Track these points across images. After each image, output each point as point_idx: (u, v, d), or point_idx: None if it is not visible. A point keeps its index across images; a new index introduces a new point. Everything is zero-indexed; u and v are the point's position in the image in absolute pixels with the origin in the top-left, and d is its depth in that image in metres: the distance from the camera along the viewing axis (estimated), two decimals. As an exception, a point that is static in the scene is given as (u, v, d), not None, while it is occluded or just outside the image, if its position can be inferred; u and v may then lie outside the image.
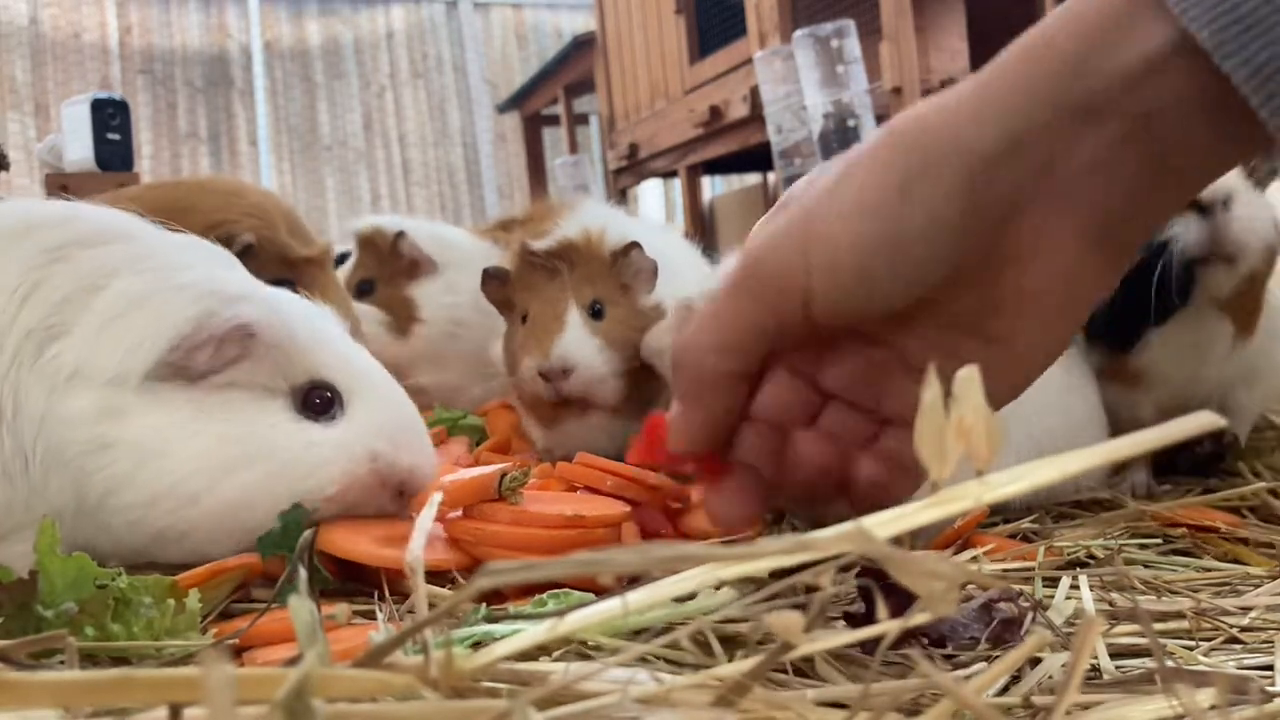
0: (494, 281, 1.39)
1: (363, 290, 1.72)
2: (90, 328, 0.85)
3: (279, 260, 1.32)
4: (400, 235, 1.72)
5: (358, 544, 0.86)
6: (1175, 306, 1.04)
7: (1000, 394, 0.60)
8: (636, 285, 1.35)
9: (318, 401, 0.91)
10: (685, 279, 1.42)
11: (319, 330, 0.95)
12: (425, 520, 0.59)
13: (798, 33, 3.08)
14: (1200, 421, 0.43)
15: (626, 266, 1.34)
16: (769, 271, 0.60)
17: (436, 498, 0.64)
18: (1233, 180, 0.99)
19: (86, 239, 0.89)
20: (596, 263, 1.34)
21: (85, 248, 0.88)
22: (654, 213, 8.18)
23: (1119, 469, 1.17)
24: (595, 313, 1.32)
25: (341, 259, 1.77)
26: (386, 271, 1.74)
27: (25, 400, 0.83)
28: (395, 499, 0.94)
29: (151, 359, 0.84)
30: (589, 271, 1.33)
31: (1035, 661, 0.62)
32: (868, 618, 0.57)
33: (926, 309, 0.61)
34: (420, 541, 0.53)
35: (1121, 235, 0.60)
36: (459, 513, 0.92)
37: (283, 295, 0.97)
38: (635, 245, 1.34)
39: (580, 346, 1.29)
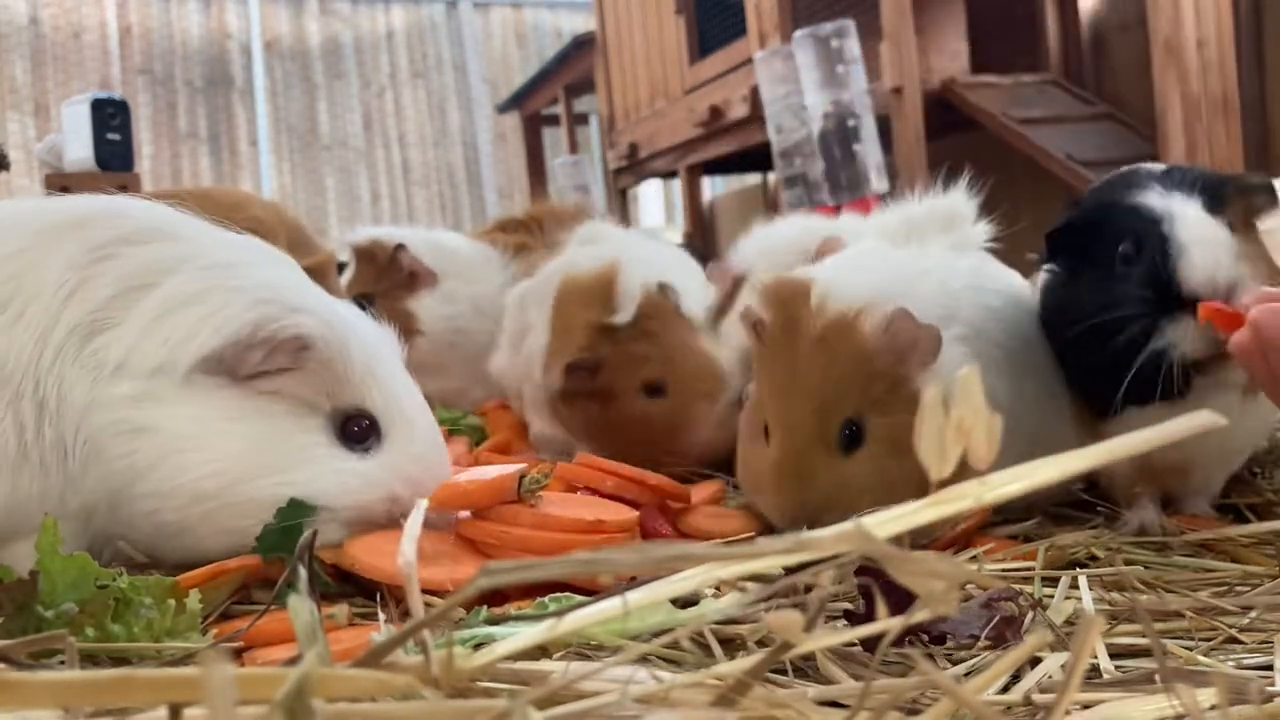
0: (583, 375, 1.34)
1: (360, 305, 1.72)
2: (140, 322, 0.84)
3: None
4: (400, 248, 1.72)
5: (382, 563, 0.84)
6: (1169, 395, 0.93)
7: None
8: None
9: (356, 430, 0.90)
10: (687, 292, 1.42)
11: (374, 355, 0.93)
12: (413, 525, 0.58)
13: (798, 33, 3.08)
14: (1200, 421, 0.43)
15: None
16: None
17: (422, 504, 0.63)
18: (1226, 266, 0.91)
19: (134, 237, 0.89)
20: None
21: (133, 245, 0.88)
22: (654, 213, 8.18)
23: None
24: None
25: (340, 268, 1.77)
26: (385, 284, 1.73)
27: (69, 392, 0.83)
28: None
29: (201, 353, 0.84)
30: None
31: (1035, 661, 0.62)
32: (868, 616, 0.57)
33: None
34: (411, 547, 0.52)
35: None
36: (467, 514, 0.91)
37: (345, 312, 0.96)
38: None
39: None
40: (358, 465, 0.89)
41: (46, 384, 0.82)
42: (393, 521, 0.91)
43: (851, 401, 0.92)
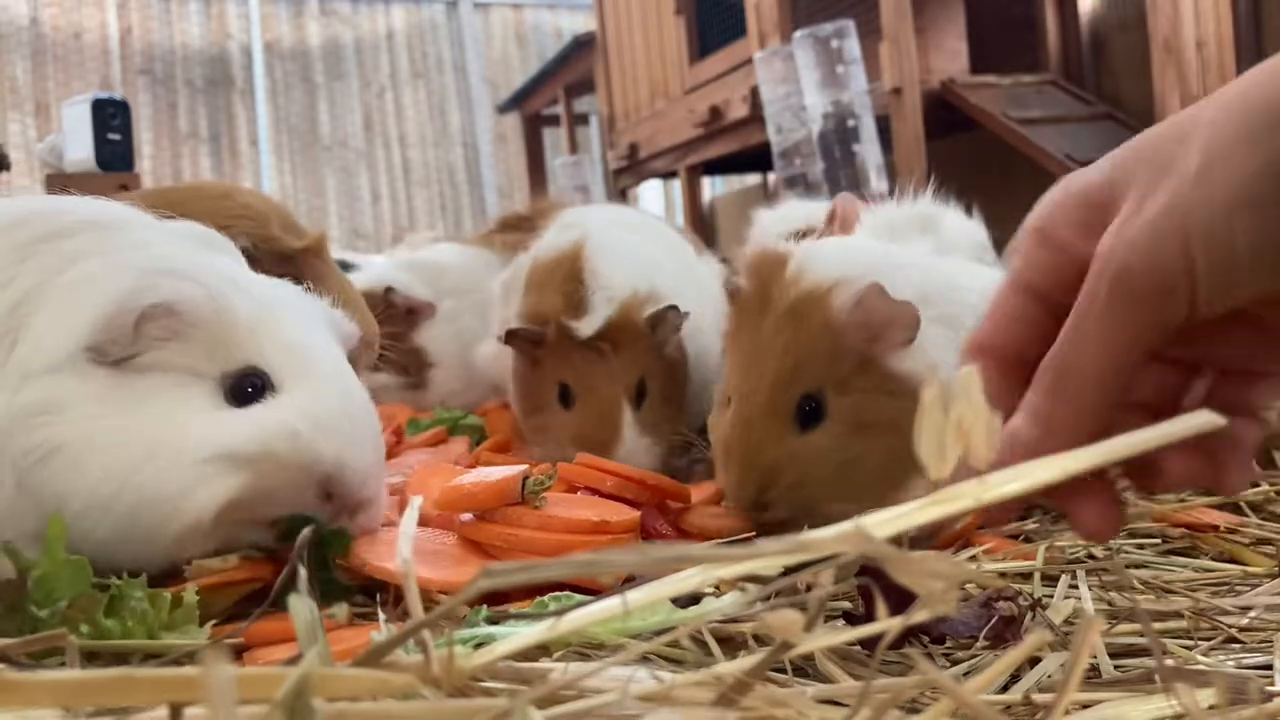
0: (525, 342, 1.33)
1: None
2: (45, 316, 0.82)
3: (275, 256, 1.32)
4: (389, 290, 1.71)
5: (391, 564, 0.82)
6: None
7: None
8: (668, 338, 1.35)
9: (249, 390, 0.84)
10: (670, 274, 1.40)
11: (266, 313, 0.87)
12: (408, 524, 0.58)
13: (798, 33, 3.08)
14: (1200, 421, 0.43)
15: (663, 331, 1.33)
16: (1147, 283, 0.54)
17: (417, 500, 0.62)
18: None
19: (63, 231, 0.86)
20: (636, 334, 1.30)
21: (61, 239, 0.85)
22: (654, 213, 8.18)
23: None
24: (640, 395, 1.31)
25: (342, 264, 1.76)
26: (386, 330, 1.72)
27: None
28: (322, 500, 0.86)
29: (80, 341, 0.81)
30: (633, 353, 1.30)
31: (1035, 661, 0.62)
32: (867, 616, 0.57)
33: None
34: (407, 546, 0.52)
35: None
36: (470, 516, 0.91)
37: (243, 277, 0.90)
38: (672, 309, 1.31)
39: (635, 454, 1.27)
40: (242, 420, 0.83)
41: None
42: (312, 477, 0.84)
43: (813, 376, 0.89)
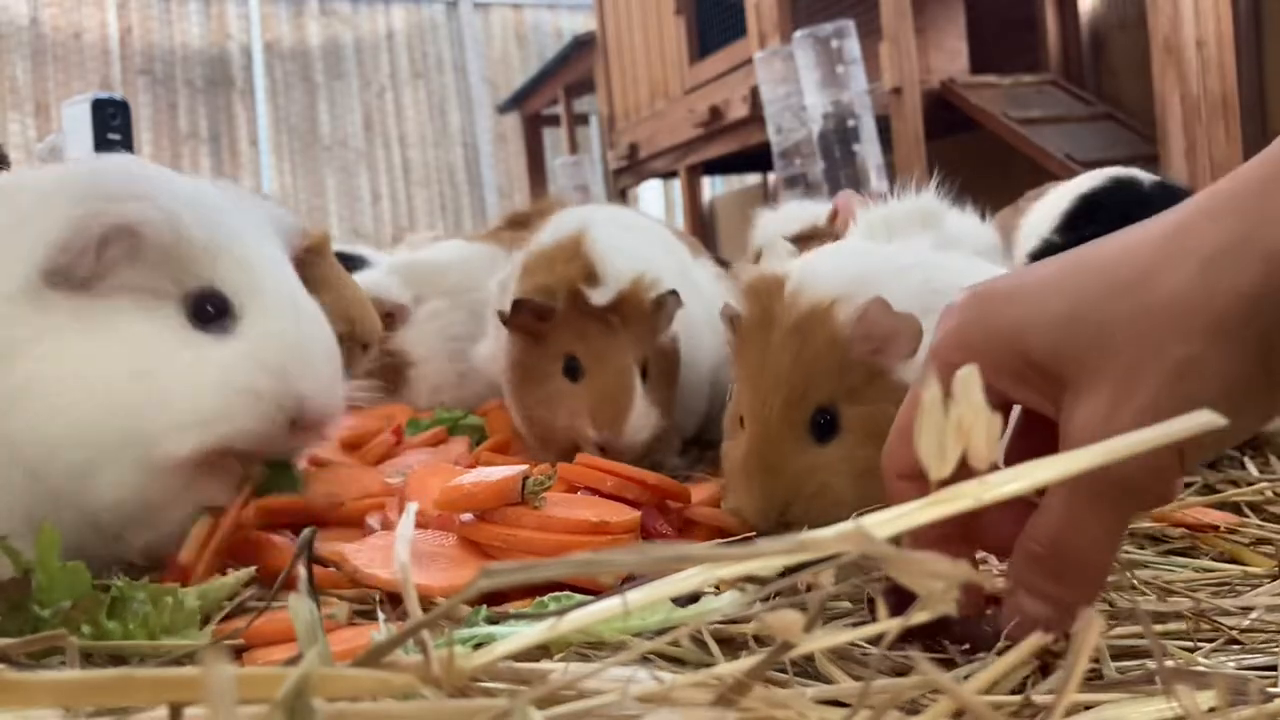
0: (530, 315, 1.29)
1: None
2: None
3: None
4: None
5: (381, 570, 0.83)
6: None
7: None
8: (667, 328, 1.34)
9: (210, 310, 0.84)
10: (666, 273, 1.40)
11: (223, 231, 0.87)
12: (405, 527, 0.58)
13: (798, 33, 3.09)
14: (1200, 421, 0.43)
15: (663, 315, 1.32)
16: (1144, 480, 0.60)
17: (413, 507, 0.62)
18: None
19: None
20: (643, 313, 1.30)
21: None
22: (654, 213, 8.19)
23: None
24: (644, 374, 1.30)
25: (345, 260, 1.76)
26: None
27: None
28: (289, 432, 0.87)
29: (37, 266, 0.79)
30: (639, 325, 1.30)
31: (1045, 669, 0.62)
32: (901, 604, 0.57)
33: None
34: (404, 548, 0.52)
35: None
36: (470, 516, 0.91)
37: (193, 193, 0.89)
38: (673, 294, 1.31)
39: (646, 420, 1.26)
40: (212, 353, 0.83)
41: None
42: (285, 412, 0.85)
43: (824, 390, 0.90)
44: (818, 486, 0.89)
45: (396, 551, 0.49)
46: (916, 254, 1.05)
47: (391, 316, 1.71)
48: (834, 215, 1.31)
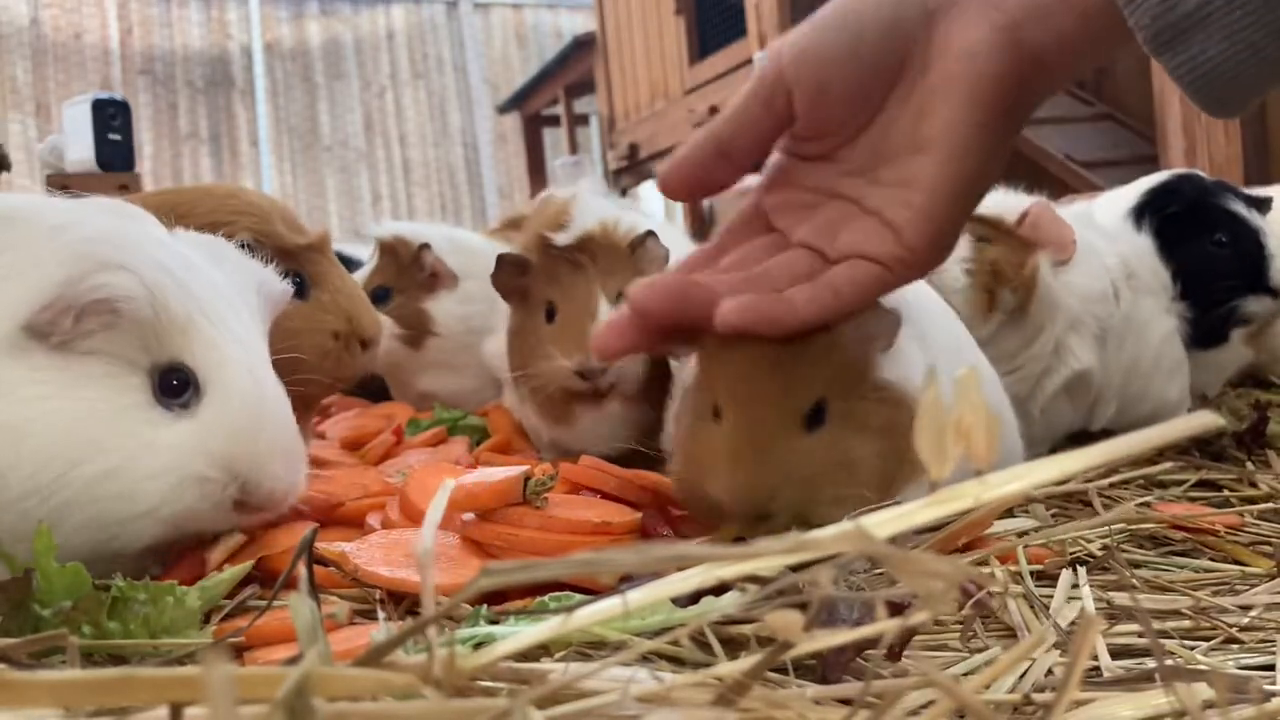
0: (512, 269, 1.35)
1: (378, 297, 1.71)
2: None
3: (278, 252, 1.32)
4: (424, 247, 1.72)
5: (383, 570, 0.83)
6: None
7: (917, 231, 0.81)
8: (651, 273, 1.35)
9: (174, 383, 0.86)
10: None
11: (199, 306, 0.89)
12: (434, 515, 0.58)
13: (798, 33, 3.08)
14: (1200, 421, 0.43)
15: (644, 255, 1.34)
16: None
17: (447, 486, 0.61)
18: None
19: None
20: (616, 253, 1.33)
21: None
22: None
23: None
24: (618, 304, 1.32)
25: (344, 260, 1.76)
26: (405, 281, 1.73)
27: None
28: (233, 514, 0.88)
29: (17, 322, 0.81)
30: (610, 263, 1.33)
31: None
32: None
33: (861, 133, 0.83)
34: (430, 535, 0.52)
35: (1032, 36, 0.77)
36: (471, 516, 0.91)
37: (176, 258, 0.90)
38: (651, 234, 1.34)
39: None
40: (165, 435, 0.85)
41: None
42: (220, 509, 0.87)
43: (820, 382, 0.91)
44: (807, 473, 0.89)
45: (422, 539, 0.49)
46: None
47: (437, 278, 1.72)
48: (1021, 219, 1.32)
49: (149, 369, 0.86)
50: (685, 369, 1.12)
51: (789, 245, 0.87)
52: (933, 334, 1.01)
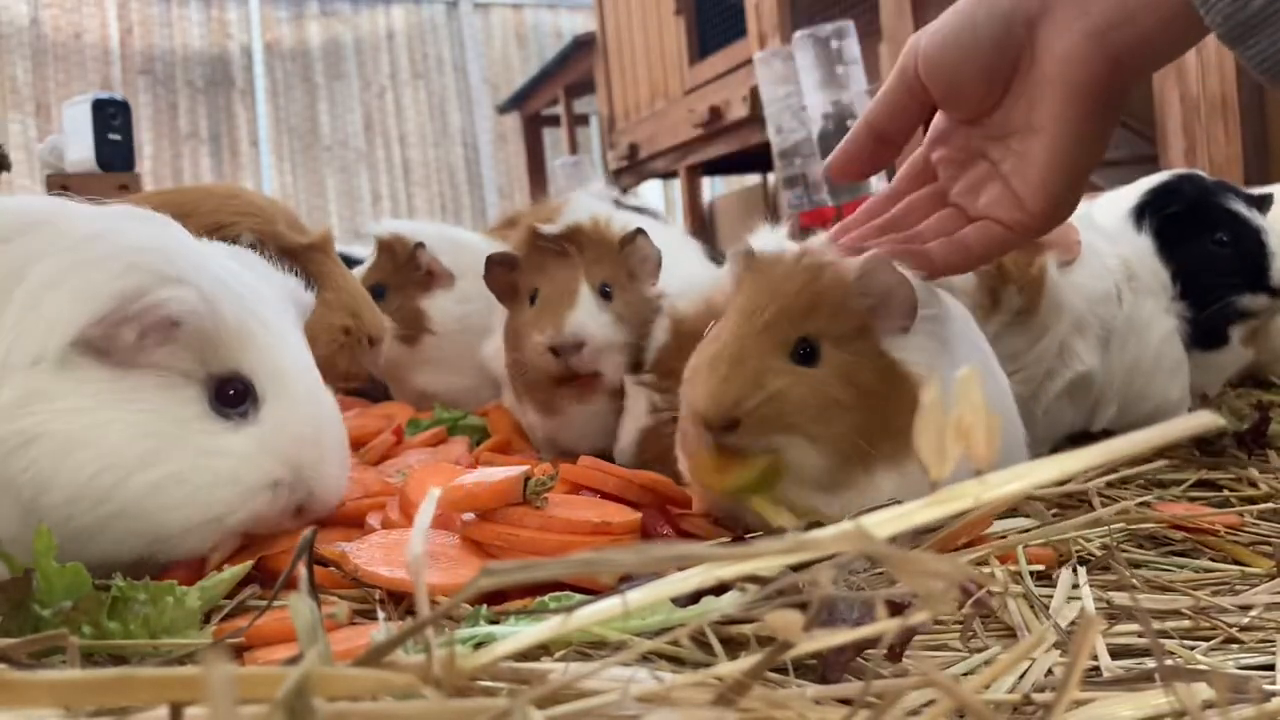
0: (501, 266, 1.38)
1: (375, 294, 1.72)
2: (12, 318, 0.81)
3: (280, 252, 1.33)
4: (419, 246, 1.72)
5: (384, 570, 0.83)
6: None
7: (1035, 201, 0.95)
8: (642, 272, 1.36)
9: (231, 393, 0.86)
10: (681, 269, 1.42)
11: (252, 315, 0.89)
12: (423, 519, 0.58)
13: (797, 33, 3.08)
14: (1200, 421, 0.43)
15: (634, 253, 1.35)
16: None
17: (434, 493, 0.62)
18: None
19: (3, 234, 0.86)
20: (605, 247, 1.35)
21: (3, 243, 0.85)
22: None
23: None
24: (605, 294, 1.32)
25: (345, 260, 1.77)
26: (401, 279, 1.73)
27: None
28: (293, 517, 0.90)
29: (70, 334, 0.80)
30: (598, 255, 1.34)
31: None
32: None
33: (992, 112, 0.97)
34: (420, 541, 0.52)
35: (1118, 38, 0.87)
36: (471, 516, 0.91)
37: (224, 268, 0.91)
38: (641, 232, 1.35)
39: (593, 319, 1.29)
40: (232, 443, 0.85)
41: None
42: (284, 514, 0.88)
43: (815, 324, 0.92)
44: (780, 390, 0.89)
45: (412, 543, 0.49)
46: None
47: (433, 276, 1.72)
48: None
49: (204, 379, 0.86)
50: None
51: (946, 200, 1.03)
52: (954, 340, 1.01)
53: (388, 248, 1.75)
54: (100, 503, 0.81)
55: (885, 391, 0.89)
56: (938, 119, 1.03)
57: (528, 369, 1.33)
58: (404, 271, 1.73)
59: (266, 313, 0.92)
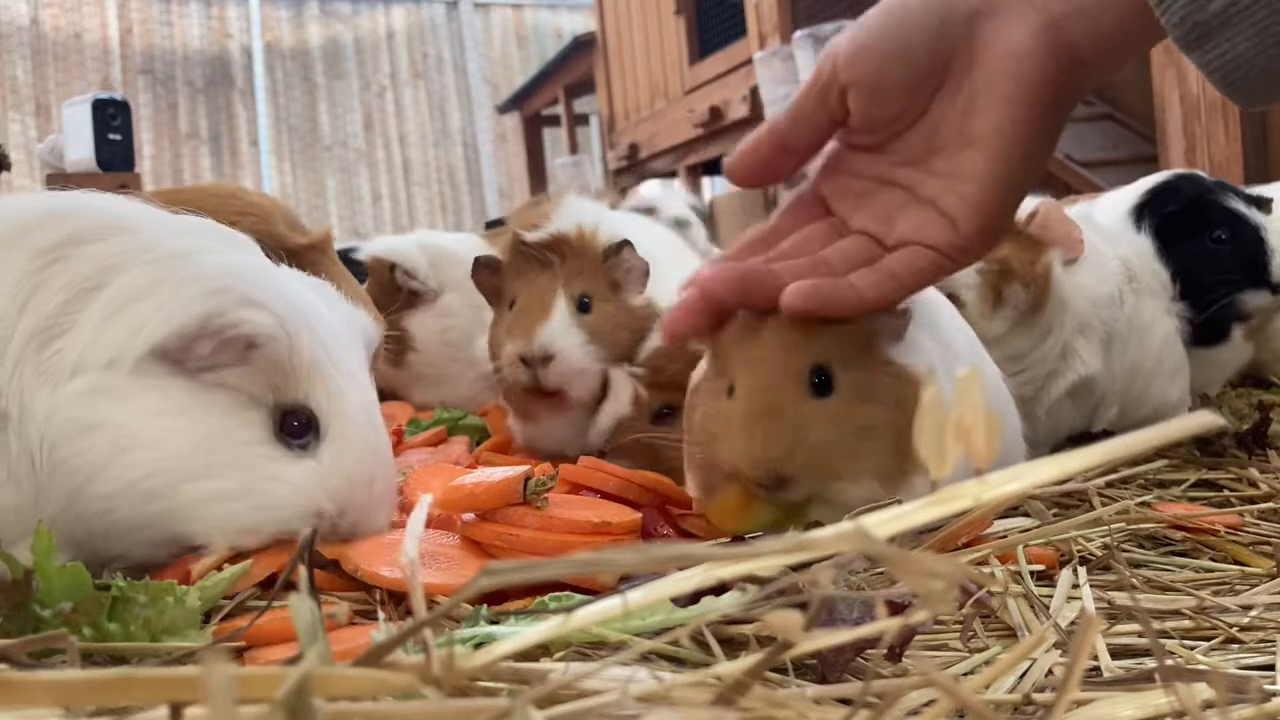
0: (485, 270, 1.39)
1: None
2: (93, 322, 0.83)
3: (280, 252, 1.33)
4: (392, 268, 1.71)
5: (385, 569, 0.84)
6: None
7: (970, 221, 0.85)
8: (627, 284, 1.35)
9: (295, 424, 0.88)
10: (672, 278, 1.41)
11: (325, 349, 0.91)
12: (416, 523, 0.58)
13: (797, 33, 3.08)
14: (1201, 421, 0.43)
15: (617, 264, 1.34)
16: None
17: (426, 499, 0.62)
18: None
19: (84, 236, 0.87)
20: (588, 258, 1.34)
21: (84, 245, 0.87)
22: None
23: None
24: (583, 306, 1.32)
25: (346, 260, 1.76)
26: (388, 300, 1.73)
27: (31, 401, 0.82)
28: (325, 543, 0.90)
29: (150, 343, 0.82)
30: (580, 265, 1.33)
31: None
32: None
33: (911, 127, 0.86)
34: (413, 544, 0.52)
35: (1072, 36, 0.80)
36: (471, 516, 0.91)
37: (304, 299, 0.93)
38: (627, 244, 1.34)
39: (563, 335, 1.29)
40: (289, 471, 0.87)
41: (8, 396, 0.81)
42: (322, 538, 0.88)
43: (822, 348, 0.92)
44: (821, 436, 0.89)
45: (405, 547, 0.49)
46: None
47: (416, 296, 1.72)
48: (1031, 217, 1.32)
49: (271, 406, 0.87)
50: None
51: (846, 231, 0.91)
52: (943, 329, 1.02)
53: (373, 270, 1.75)
54: (145, 503, 0.82)
55: (903, 400, 0.90)
56: (830, 148, 0.93)
57: (503, 375, 1.34)
58: (387, 292, 1.73)
59: (338, 348, 0.93)
